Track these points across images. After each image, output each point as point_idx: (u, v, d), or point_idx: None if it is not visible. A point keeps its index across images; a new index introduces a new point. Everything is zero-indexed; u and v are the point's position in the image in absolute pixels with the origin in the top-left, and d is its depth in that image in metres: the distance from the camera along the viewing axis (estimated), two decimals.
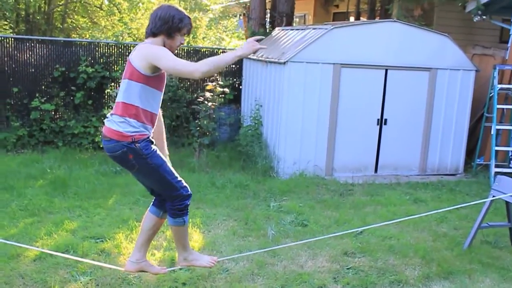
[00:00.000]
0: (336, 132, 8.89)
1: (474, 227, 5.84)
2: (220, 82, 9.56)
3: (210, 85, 9.20)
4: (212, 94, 9.22)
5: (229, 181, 8.08)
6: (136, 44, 10.76)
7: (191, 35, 12.61)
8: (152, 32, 3.76)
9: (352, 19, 15.77)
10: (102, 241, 5.58)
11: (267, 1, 12.64)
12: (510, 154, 9.50)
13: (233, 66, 11.29)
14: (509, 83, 9.48)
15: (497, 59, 10.22)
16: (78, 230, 5.87)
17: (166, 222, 4.09)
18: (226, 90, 9.54)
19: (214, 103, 9.38)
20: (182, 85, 10.69)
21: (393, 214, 6.98)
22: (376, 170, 9.27)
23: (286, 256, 5.42)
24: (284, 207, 7.10)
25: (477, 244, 5.99)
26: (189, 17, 3.84)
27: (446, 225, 6.69)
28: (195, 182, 7.78)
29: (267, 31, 11.85)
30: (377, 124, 9.10)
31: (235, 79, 11.17)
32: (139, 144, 3.66)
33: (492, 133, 9.13)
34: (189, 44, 12.13)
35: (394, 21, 9.19)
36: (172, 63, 3.52)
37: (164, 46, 3.74)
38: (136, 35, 11.26)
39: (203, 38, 14.24)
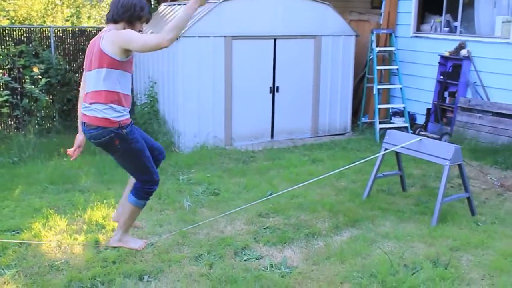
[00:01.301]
0: (232, 103, 9.19)
1: (371, 178, 6.46)
2: None
3: None
4: None
5: None
6: (16, 27, 10.16)
7: (76, 16, 12.19)
8: (113, 19, 3.87)
9: None
10: (18, 233, 5.43)
11: None
12: (390, 111, 10.40)
13: None
14: (385, 46, 10.31)
15: (372, 23, 11.02)
16: None
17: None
18: None
19: None
20: (70, 67, 10.37)
21: (296, 174, 7.47)
22: (272, 136, 9.72)
23: (206, 224, 5.66)
24: (193, 179, 7.31)
25: (374, 193, 6.65)
26: (149, 7, 3.99)
27: (344, 180, 7.29)
28: (99, 164, 7.76)
29: (152, 7, 11.76)
30: (270, 92, 9.52)
31: None
32: (125, 130, 3.84)
33: (374, 92, 9.94)
34: (74, 25, 11.72)
35: None
36: (142, 43, 3.61)
37: None
38: (15, 18, 10.64)
39: (88, 17, 13.79)
